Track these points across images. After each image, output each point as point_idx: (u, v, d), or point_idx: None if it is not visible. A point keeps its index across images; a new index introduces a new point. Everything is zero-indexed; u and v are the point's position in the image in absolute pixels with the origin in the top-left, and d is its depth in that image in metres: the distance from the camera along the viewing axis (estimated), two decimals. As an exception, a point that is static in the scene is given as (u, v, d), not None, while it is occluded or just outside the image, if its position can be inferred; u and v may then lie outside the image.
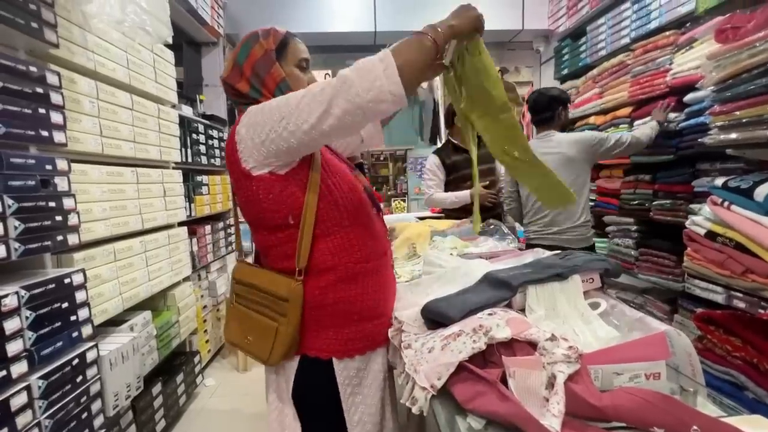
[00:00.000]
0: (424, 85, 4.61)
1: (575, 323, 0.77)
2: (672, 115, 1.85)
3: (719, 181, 1.10)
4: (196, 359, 2.30)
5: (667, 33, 1.90)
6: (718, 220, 1.07)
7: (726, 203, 1.04)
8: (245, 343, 0.91)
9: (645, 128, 1.87)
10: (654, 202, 1.99)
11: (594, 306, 0.85)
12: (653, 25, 2.03)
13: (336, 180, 0.86)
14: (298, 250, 0.83)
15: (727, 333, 1.07)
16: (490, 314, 0.78)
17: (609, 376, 0.65)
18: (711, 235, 1.08)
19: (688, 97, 1.72)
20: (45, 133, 1.22)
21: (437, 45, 0.73)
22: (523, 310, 0.86)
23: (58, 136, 1.28)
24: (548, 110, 1.98)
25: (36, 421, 1.10)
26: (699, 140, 1.43)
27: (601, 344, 0.70)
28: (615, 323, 0.78)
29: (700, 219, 1.13)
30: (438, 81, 5.11)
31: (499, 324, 0.72)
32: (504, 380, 0.66)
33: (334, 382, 0.86)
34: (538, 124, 2.04)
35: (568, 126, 2.18)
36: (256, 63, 0.86)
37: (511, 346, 0.70)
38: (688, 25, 1.82)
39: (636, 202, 2.14)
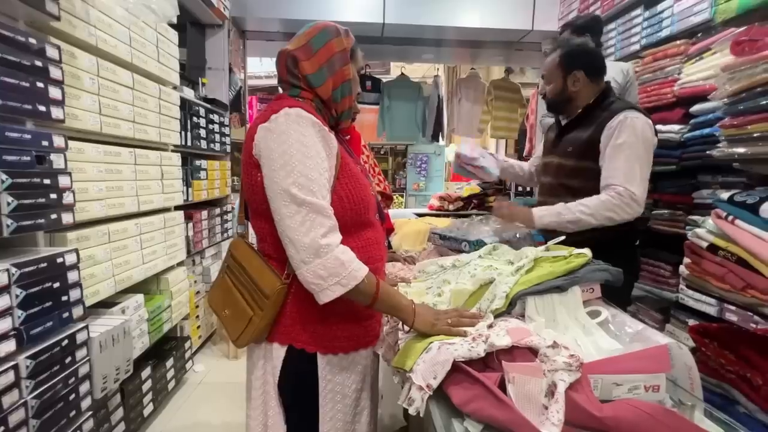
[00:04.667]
0: (429, 81, 4.58)
1: (576, 334, 0.77)
2: (676, 127, 1.85)
3: (725, 195, 1.10)
4: (187, 344, 2.29)
5: (678, 42, 1.89)
6: (721, 234, 1.06)
7: (730, 217, 1.04)
8: (222, 315, 0.94)
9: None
10: (653, 212, 1.99)
11: (594, 315, 0.84)
12: (664, 33, 2.02)
13: (351, 188, 0.86)
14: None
15: (722, 346, 1.07)
16: (489, 326, 0.77)
17: (608, 386, 0.65)
18: (713, 249, 1.08)
19: (695, 108, 1.71)
20: (42, 108, 1.19)
21: (375, 300, 0.82)
22: (521, 317, 0.85)
23: (56, 112, 1.25)
24: None
25: (22, 400, 1.08)
26: (707, 152, 1.43)
27: (602, 355, 0.69)
28: (616, 334, 0.78)
29: (703, 232, 1.13)
30: (443, 77, 5.08)
31: (499, 333, 0.71)
32: (502, 385, 0.65)
33: (316, 375, 0.88)
34: None
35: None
36: (335, 55, 0.87)
37: (510, 351, 0.70)
38: (699, 35, 1.81)
39: (635, 210, 2.13)
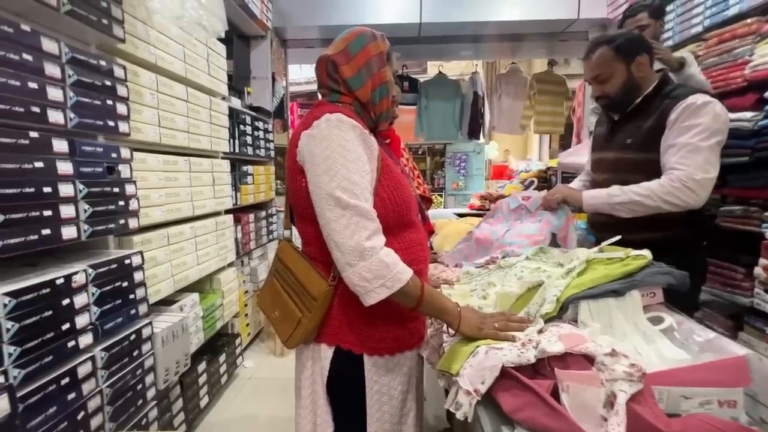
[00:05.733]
0: (466, 78, 4.49)
1: (636, 341, 0.72)
2: (749, 114, 1.67)
3: (810, 189, 0.98)
4: (237, 341, 2.41)
5: (749, 20, 1.71)
6: (806, 233, 0.95)
7: (818, 214, 0.92)
8: (273, 316, 0.97)
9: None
10: (721, 208, 1.81)
11: (656, 321, 0.78)
12: (732, 11, 1.83)
13: (392, 190, 0.87)
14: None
15: (810, 359, 0.96)
16: (539, 331, 0.74)
17: (676, 399, 0.60)
18: (796, 249, 0.97)
19: (771, 93, 1.54)
20: (111, 123, 1.31)
21: (420, 302, 0.82)
22: (574, 322, 0.81)
23: (123, 126, 1.36)
24: None
25: (99, 389, 1.19)
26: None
27: (667, 365, 0.64)
28: (682, 342, 0.72)
29: (784, 230, 1.01)
30: (482, 74, 4.96)
31: (550, 339, 0.68)
32: (555, 394, 0.62)
33: (363, 376, 0.89)
34: None
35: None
36: (372, 58, 0.89)
37: (563, 358, 0.66)
38: (775, 11, 1.63)
39: (700, 207, 1.96)
